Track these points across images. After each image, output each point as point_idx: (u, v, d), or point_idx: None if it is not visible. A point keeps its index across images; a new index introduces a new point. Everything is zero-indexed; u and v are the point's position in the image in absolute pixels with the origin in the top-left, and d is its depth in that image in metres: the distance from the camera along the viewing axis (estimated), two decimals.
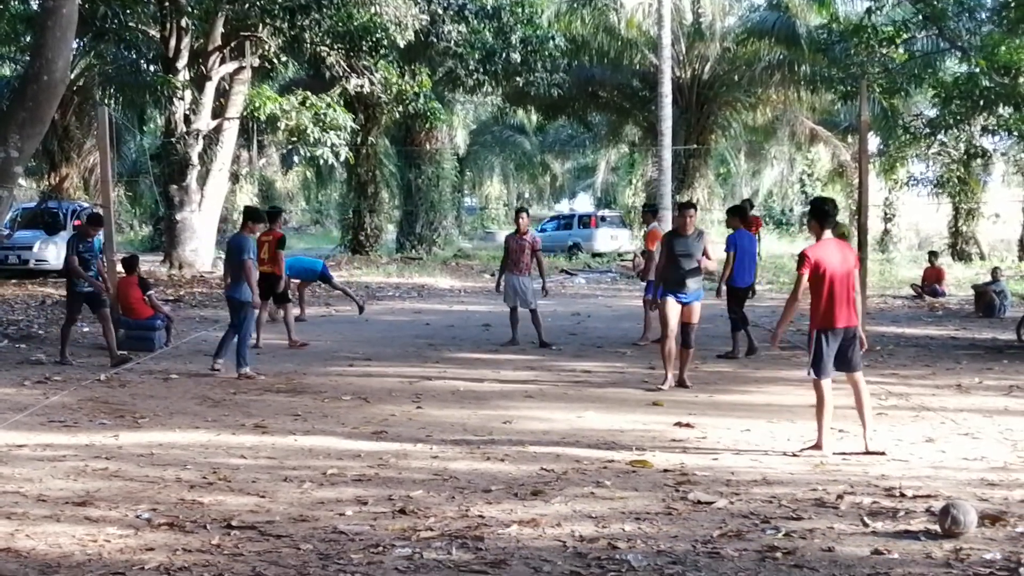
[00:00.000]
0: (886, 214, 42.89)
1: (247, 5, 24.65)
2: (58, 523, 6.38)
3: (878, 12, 23.58)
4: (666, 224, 28.91)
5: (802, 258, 8.56)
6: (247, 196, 50.67)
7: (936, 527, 6.16)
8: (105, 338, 13.54)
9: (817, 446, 8.50)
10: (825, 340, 8.47)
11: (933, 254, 26.42)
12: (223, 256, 29.25)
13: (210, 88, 26.83)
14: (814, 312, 8.52)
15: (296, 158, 52.26)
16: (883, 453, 8.36)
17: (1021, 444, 8.72)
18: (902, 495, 7.01)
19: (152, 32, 27.30)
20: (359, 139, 33.56)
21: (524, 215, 15.72)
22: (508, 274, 15.16)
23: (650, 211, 17.06)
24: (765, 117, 41.23)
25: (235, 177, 41.17)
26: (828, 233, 8.61)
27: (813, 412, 8.87)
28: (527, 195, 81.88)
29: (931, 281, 23.85)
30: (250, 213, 13.77)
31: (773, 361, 14.02)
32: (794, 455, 8.42)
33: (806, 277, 8.47)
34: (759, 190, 59.05)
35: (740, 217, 14.89)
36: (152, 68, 30.26)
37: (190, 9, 25.40)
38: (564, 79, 31.87)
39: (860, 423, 8.56)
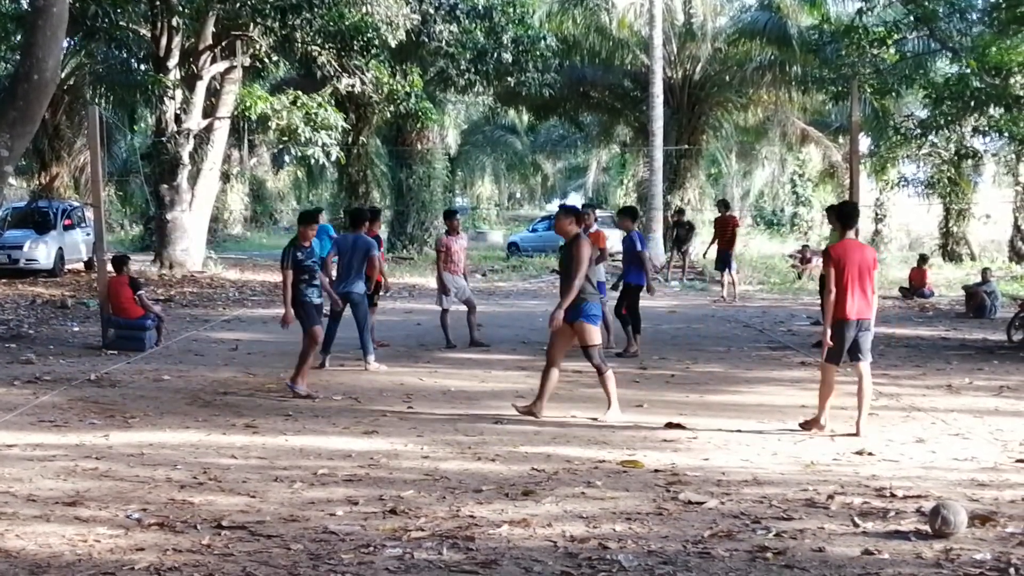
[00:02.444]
0: (877, 215, 42.99)
1: (238, 4, 24.61)
2: (48, 523, 6.37)
3: (869, 13, 23.66)
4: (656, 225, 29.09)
5: (827, 255, 9.44)
6: (238, 196, 50.70)
7: (926, 527, 6.17)
8: (301, 360, 11.46)
9: (816, 421, 9.31)
10: (841, 329, 9.13)
11: (923, 257, 26.52)
12: (213, 256, 29.44)
13: (201, 87, 26.78)
14: (836, 303, 9.16)
15: (287, 158, 52.16)
16: (865, 448, 8.54)
17: (1011, 445, 8.74)
18: (892, 495, 7.02)
19: (143, 31, 27.24)
20: (350, 139, 33.54)
21: (457, 217, 16.00)
22: (452, 275, 15.09)
23: (591, 209, 16.52)
24: (756, 117, 41.30)
25: (226, 177, 41.10)
26: (851, 233, 9.48)
27: (804, 412, 9.03)
28: (518, 195, 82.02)
29: (916, 283, 23.96)
30: (357, 213, 14.02)
31: (764, 361, 14.05)
32: (800, 427, 9.34)
33: (833, 272, 9.15)
34: (750, 190, 59.15)
35: (631, 218, 14.89)
36: (143, 67, 30.19)
37: (181, 8, 25.35)
38: (555, 79, 31.86)
39: (857, 408, 9.19)
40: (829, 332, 9.16)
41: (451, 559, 5.73)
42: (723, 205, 24.73)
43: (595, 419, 9.90)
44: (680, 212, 29.19)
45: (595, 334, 9.94)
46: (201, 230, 28.50)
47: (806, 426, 9.37)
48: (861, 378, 9.23)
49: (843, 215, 9.84)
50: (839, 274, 9.11)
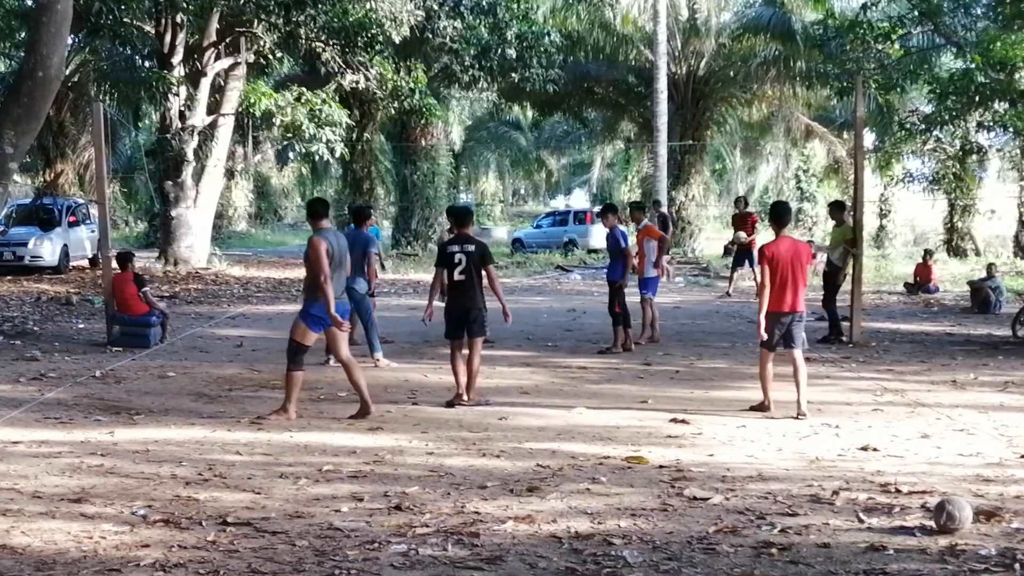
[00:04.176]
0: (882, 210, 42.98)
1: (242, 1, 24.62)
2: (53, 520, 6.37)
3: (874, 8, 23.64)
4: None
5: (761, 253, 10.14)
6: (242, 192, 50.75)
7: (931, 523, 6.16)
8: (468, 374, 10.72)
9: (763, 407, 10.11)
10: (774, 321, 9.91)
11: (928, 252, 26.52)
12: (217, 252, 29.44)
13: (205, 84, 26.80)
14: (770, 296, 9.91)
15: (291, 154, 52.30)
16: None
17: (1016, 440, 8.73)
18: (897, 491, 7.02)
19: (147, 28, 27.24)
20: (354, 135, 33.55)
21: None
22: None
23: (638, 208, 16.83)
24: (761, 113, 41.29)
25: (230, 173, 41.19)
26: (787, 231, 10.24)
27: (808, 408, 9.20)
28: (523, 191, 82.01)
29: (922, 279, 23.97)
30: (360, 210, 14.21)
31: None
32: (750, 408, 10.13)
33: (767, 268, 9.92)
34: (755, 186, 59.08)
35: (613, 214, 14.82)
36: (147, 64, 30.17)
37: (185, 5, 25.34)
38: (559, 75, 31.86)
39: (795, 390, 9.89)
40: (764, 324, 9.90)
41: (456, 555, 5.73)
42: (743, 202, 24.58)
43: (259, 418, 9.78)
44: (656, 204, 29.04)
45: (301, 333, 9.82)
46: (206, 227, 28.50)
47: (756, 408, 10.15)
48: (795, 364, 9.94)
49: (775, 214, 10.49)
50: (772, 271, 9.86)
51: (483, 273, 10.57)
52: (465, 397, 10.57)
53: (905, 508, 6.61)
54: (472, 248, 10.53)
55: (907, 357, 14.04)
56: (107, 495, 6.96)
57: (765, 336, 9.91)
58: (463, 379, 10.55)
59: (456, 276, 10.46)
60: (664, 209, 27.60)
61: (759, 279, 10.28)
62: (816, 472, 7.65)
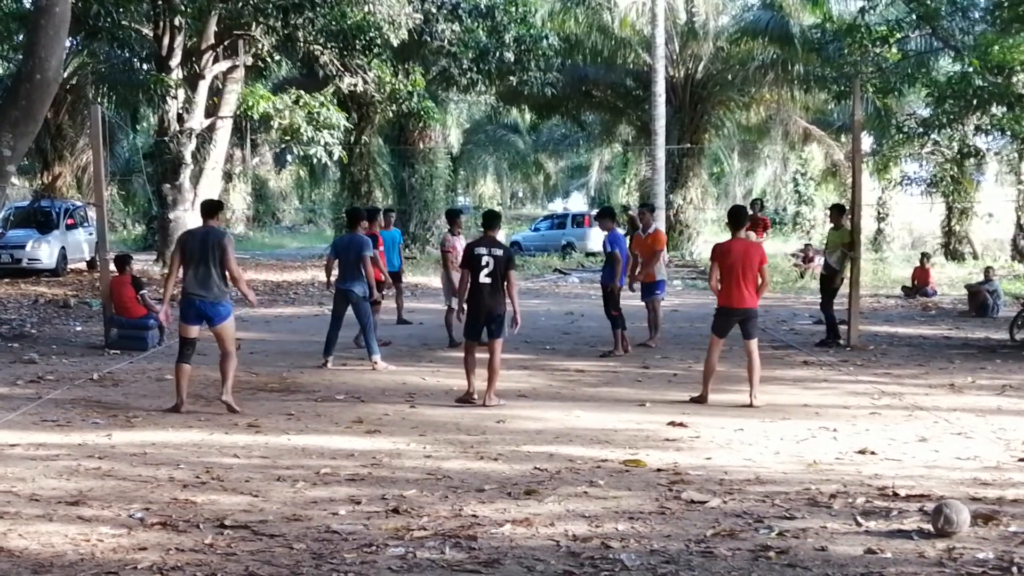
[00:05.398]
0: (879, 213, 42.98)
1: (240, 4, 24.59)
2: (51, 522, 6.37)
3: (872, 11, 23.66)
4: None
5: (713, 251, 10.82)
6: (240, 195, 50.71)
7: (929, 526, 6.16)
8: (488, 376, 10.77)
9: (701, 399, 10.75)
10: (724, 315, 10.64)
11: (925, 255, 26.55)
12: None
13: (203, 87, 26.76)
14: (720, 293, 10.62)
15: (289, 157, 52.28)
16: (867, 447, 8.55)
17: (1014, 443, 8.73)
18: (895, 494, 7.02)
19: (145, 31, 27.22)
20: (352, 138, 33.52)
21: (461, 216, 15.84)
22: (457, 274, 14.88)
23: (648, 209, 16.68)
24: (759, 116, 41.31)
25: (228, 176, 41.18)
26: (741, 233, 10.77)
27: (805, 410, 9.11)
28: (521, 194, 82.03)
29: (920, 282, 23.99)
30: (353, 212, 14.21)
31: (766, 360, 13.97)
32: (691, 400, 10.76)
33: (717, 265, 10.54)
34: (752, 189, 59.11)
35: (610, 218, 14.79)
36: (145, 67, 30.15)
37: (183, 7, 25.32)
38: (558, 78, 31.87)
39: (748, 382, 10.64)
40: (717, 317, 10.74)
41: (453, 558, 5.73)
42: (759, 205, 24.45)
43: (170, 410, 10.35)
44: (626, 209, 28.75)
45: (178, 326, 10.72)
46: None
47: (696, 400, 10.74)
48: (750, 355, 10.61)
49: (730, 218, 11.14)
50: (721, 269, 10.52)
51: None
52: (487, 399, 10.61)
53: (903, 512, 6.61)
54: (500, 252, 10.61)
55: (905, 360, 14.04)
56: (104, 498, 6.95)
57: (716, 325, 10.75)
58: (475, 379, 10.62)
59: (482, 279, 10.49)
60: (633, 212, 27.35)
61: (711, 276, 10.80)
62: (814, 475, 7.65)
